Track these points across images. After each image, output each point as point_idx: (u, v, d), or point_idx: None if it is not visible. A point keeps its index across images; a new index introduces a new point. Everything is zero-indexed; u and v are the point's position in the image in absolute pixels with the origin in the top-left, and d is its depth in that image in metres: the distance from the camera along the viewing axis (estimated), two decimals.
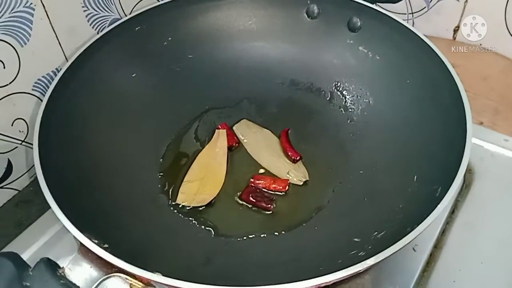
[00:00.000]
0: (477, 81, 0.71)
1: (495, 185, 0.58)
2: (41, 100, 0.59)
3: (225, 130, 0.62)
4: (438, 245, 0.53)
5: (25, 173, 0.62)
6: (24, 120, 0.59)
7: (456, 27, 0.76)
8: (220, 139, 0.62)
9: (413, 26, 0.62)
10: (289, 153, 0.60)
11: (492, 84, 0.71)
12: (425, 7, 0.76)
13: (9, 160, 0.59)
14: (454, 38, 0.77)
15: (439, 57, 0.56)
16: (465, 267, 0.51)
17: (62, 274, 0.40)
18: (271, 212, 0.55)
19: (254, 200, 0.56)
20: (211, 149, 0.61)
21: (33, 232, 0.55)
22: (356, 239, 0.48)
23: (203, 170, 0.59)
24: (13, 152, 0.59)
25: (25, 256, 0.43)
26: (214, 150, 0.61)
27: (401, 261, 0.51)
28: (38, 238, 0.54)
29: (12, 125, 0.58)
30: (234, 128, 0.64)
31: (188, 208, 0.56)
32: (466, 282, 0.51)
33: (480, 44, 0.74)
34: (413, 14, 0.77)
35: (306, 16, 0.67)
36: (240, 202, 0.56)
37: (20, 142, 0.59)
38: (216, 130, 0.63)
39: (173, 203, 0.56)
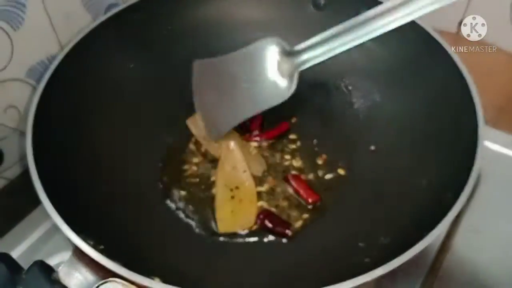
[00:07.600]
0: (481, 77, 0.70)
1: (501, 188, 0.57)
2: (35, 88, 0.58)
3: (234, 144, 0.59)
4: (443, 249, 0.52)
5: (17, 162, 0.60)
6: (17, 108, 0.57)
7: (461, 20, 0.75)
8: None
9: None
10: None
11: (497, 81, 0.70)
12: None
13: (0, 148, 0.57)
14: (458, 32, 0.76)
15: (448, 53, 0.55)
16: (471, 271, 0.51)
17: (56, 278, 0.40)
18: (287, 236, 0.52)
19: (271, 225, 0.52)
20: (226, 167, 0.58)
21: (24, 229, 0.54)
22: (361, 244, 0.47)
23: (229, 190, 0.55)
24: (5, 140, 0.57)
25: (15, 255, 0.42)
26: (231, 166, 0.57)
27: (406, 264, 0.50)
28: (29, 236, 0.53)
29: (4, 113, 0.56)
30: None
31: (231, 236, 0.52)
32: (472, 286, 0.50)
33: (484, 40, 0.73)
34: None
35: (312, 7, 0.65)
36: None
37: (12, 130, 0.58)
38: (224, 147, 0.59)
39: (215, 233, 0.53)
